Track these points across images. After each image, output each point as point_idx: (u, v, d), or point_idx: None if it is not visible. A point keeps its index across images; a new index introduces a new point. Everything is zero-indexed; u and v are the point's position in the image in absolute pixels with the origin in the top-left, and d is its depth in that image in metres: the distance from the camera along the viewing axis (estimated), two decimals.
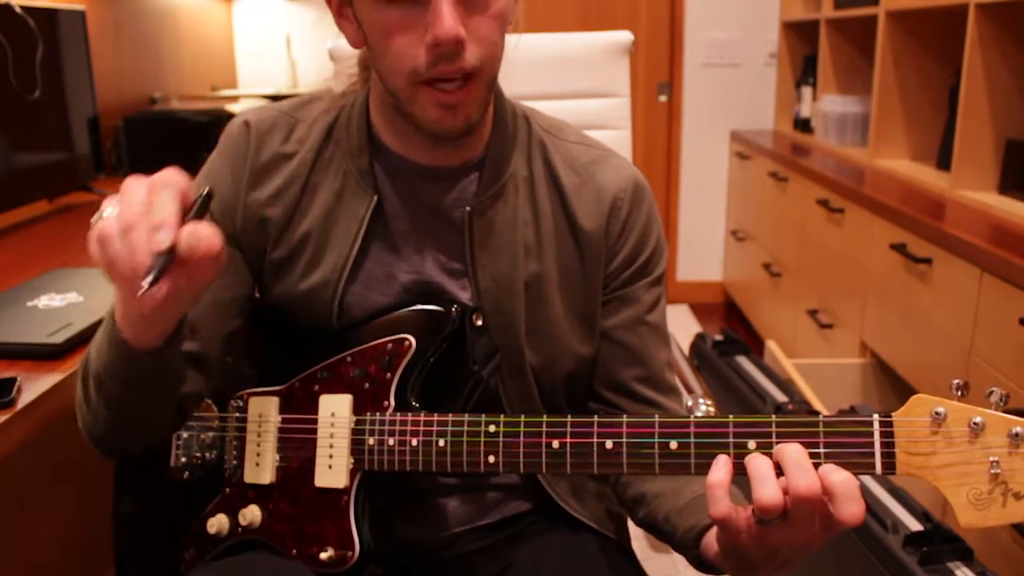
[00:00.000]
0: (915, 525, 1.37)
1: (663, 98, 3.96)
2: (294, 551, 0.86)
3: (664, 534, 0.86)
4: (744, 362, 2.31)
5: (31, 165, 1.87)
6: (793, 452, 0.65)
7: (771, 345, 2.45)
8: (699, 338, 2.53)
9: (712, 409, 1.34)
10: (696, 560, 0.80)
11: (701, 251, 4.07)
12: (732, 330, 2.46)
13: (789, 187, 3.00)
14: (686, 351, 2.44)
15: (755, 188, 3.49)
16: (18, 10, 1.76)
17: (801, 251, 2.89)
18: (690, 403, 1.37)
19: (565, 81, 1.48)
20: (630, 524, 1.02)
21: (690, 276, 4.09)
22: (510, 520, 0.96)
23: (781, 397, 2.03)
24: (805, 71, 3.43)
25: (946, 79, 2.56)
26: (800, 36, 3.56)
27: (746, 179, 3.64)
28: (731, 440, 0.70)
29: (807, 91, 3.41)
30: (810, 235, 2.79)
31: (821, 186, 2.65)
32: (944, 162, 2.41)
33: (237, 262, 0.91)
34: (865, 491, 1.46)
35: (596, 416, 0.75)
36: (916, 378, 2.00)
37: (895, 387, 2.30)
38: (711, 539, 0.76)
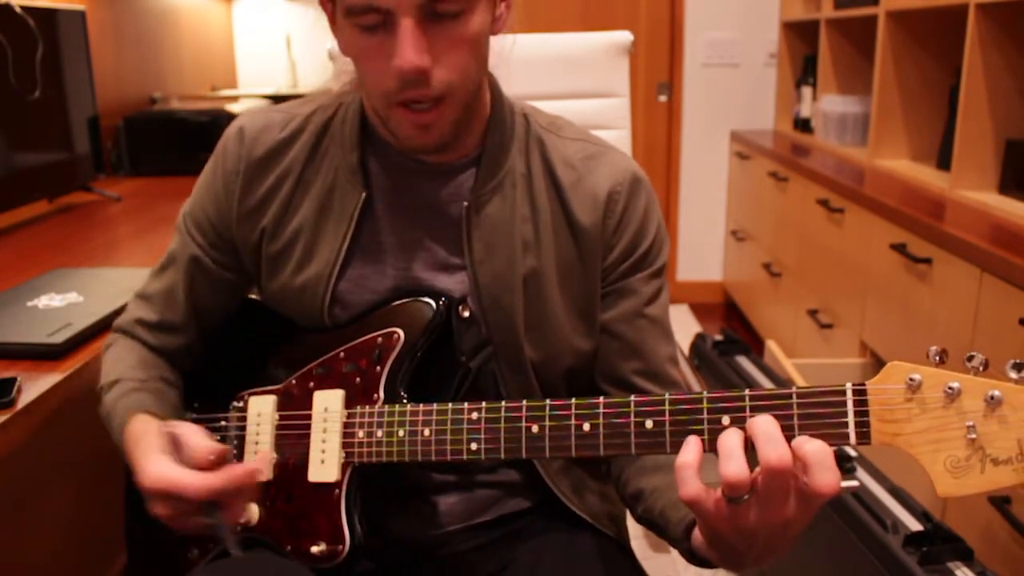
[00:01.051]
0: (915, 525, 1.37)
1: (663, 98, 3.96)
2: (289, 547, 0.87)
3: (660, 529, 0.86)
4: (744, 362, 2.30)
5: (31, 165, 1.87)
6: (763, 424, 0.65)
7: (771, 345, 2.45)
8: (699, 338, 2.53)
9: None
10: (688, 553, 0.80)
11: (701, 251, 4.07)
12: (732, 330, 2.46)
13: (789, 187, 3.00)
14: (686, 351, 2.45)
15: (755, 188, 3.49)
16: (18, 10, 1.76)
17: (801, 251, 2.89)
18: None
19: (565, 81, 1.48)
20: (630, 524, 1.02)
21: (690, 276, 4.09)
22: (508, 518, 0.96)
23: None
24: (805, 71, 3.43)
25: (946, 79, 2.56)
26: (800, 36, 3.56)
27: (746, 179, 3.64)
28: (705, 416, 0.69)
29: (807, 91, 3.41)
30: (810, 235, 2.80)
31: (821, 186, 2.65)
32: (944, 162, 2.41)
33: (209, 293, 0.98)
34: (865, 491, 1.47)
35: (574, 399, 0.75)
36: None
37: None
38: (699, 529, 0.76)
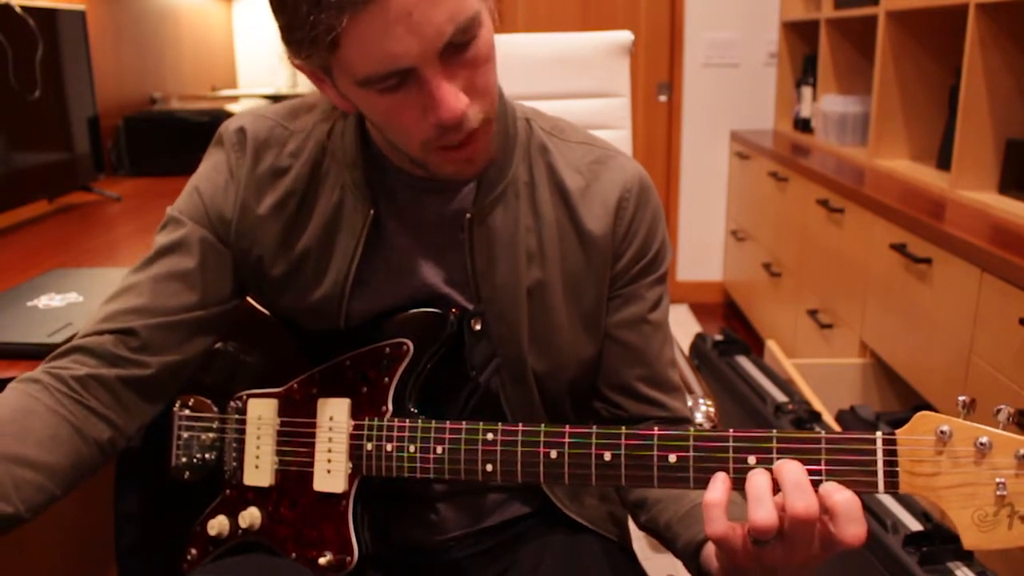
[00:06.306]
0: (915, 525, 1.37)
1: (663, 98, 3.96)
2: (293, 554, 0.86)
3: (665, 541, 0.86)
4: (744, 362, 2.31)
5: (31, 165, 1.87)
6: (792, 472, 0.65)
7: (771, 345, 2.45)
8: (699, 338, 2.53)
9: (712, 409, 1.34)
10: (696, 572, 0.80)
11: (701, 251, 4.07)
12: (732, 330, 2.46)
13: (789, 187, 3.00)
14: (686, 351, 2.45)
15: (755, 188, 3.49)
16: (18, 10, 1.76)
17: (801, 251, 2.89)
18: (690, 403, 1.37)
19: (565, 81, 1.48)
20: (631, 524, 1.02)
21: (690, 276, 4.09)
22: (510, 523, 0.96)
23: (781, 397, 2.03)
24: (805, 71, 3.43)
25: (946, 79, 2.56)
26: (800, 36, 3.56)
27: (746, 179, 3.64)
28: (731, 455, 0.69)
29: (807, 91, 3.41)
30: (810, 235, 2.80)
31: (821, 186, 2.65)
32: (944, 162, 2.41)
33: (216, 279, 0.88)
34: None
35: (595, 427, 0.75)
36: (916, 378, 2.00)
37: (895, 387, 2.30)
38: (710, 552, 0.76)
